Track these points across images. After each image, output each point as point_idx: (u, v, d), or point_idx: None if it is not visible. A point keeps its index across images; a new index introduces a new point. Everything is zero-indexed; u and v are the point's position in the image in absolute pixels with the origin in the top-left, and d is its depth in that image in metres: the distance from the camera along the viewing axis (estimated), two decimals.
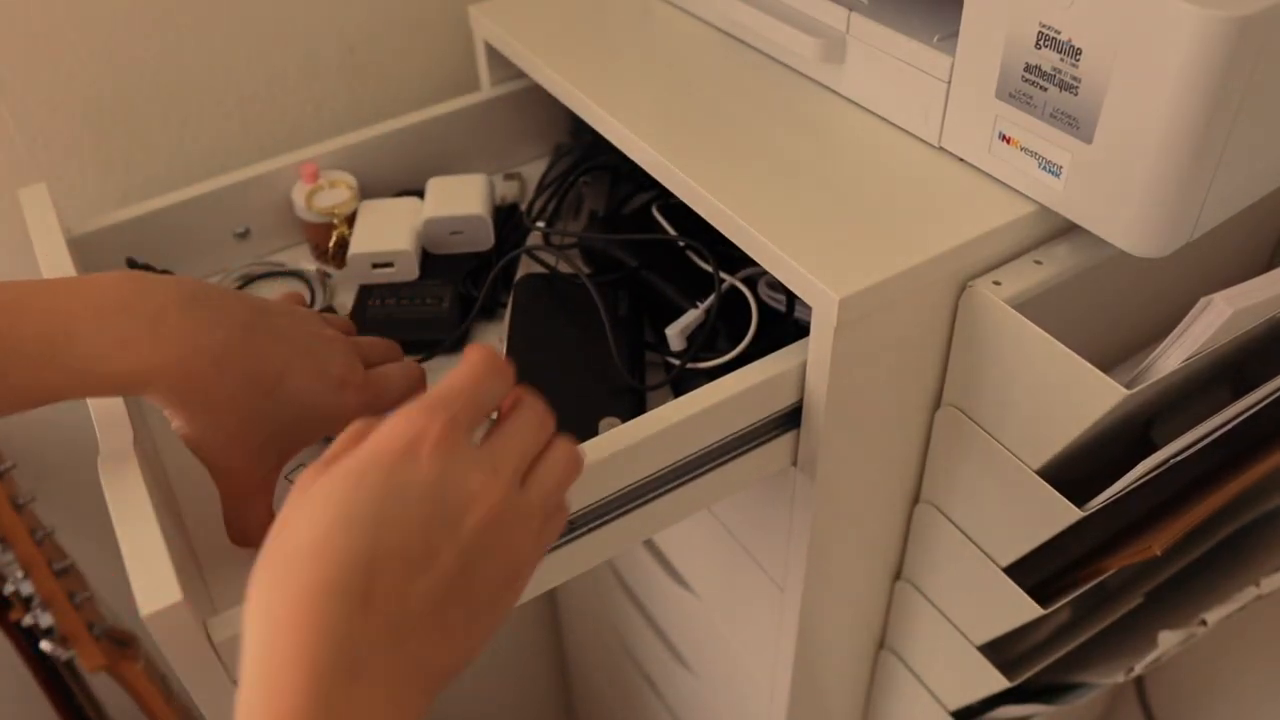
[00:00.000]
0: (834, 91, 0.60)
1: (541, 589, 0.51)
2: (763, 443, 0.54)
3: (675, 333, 0.57)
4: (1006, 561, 0.56)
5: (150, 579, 0.39)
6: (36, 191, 0.62)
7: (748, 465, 0.54)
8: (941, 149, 0.55)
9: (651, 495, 0.51)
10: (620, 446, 0.48)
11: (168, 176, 0.77)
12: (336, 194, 0.69)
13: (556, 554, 0.50)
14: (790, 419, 0.54)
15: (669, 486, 0.52)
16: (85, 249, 0.64)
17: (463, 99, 0.75)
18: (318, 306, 0.66)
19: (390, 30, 0.81)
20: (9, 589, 0.74)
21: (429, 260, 0.68)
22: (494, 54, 0.74)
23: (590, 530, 0.50)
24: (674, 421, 0.49)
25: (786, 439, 0.55)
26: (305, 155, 0.70)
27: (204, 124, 0.77)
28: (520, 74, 0.74)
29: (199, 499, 0.54)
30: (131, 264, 0.66)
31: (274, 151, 0.72)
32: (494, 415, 0.40)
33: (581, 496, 0.48)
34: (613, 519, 0.51)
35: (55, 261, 0.58)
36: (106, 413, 0.48)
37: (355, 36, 0.79)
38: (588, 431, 0.51)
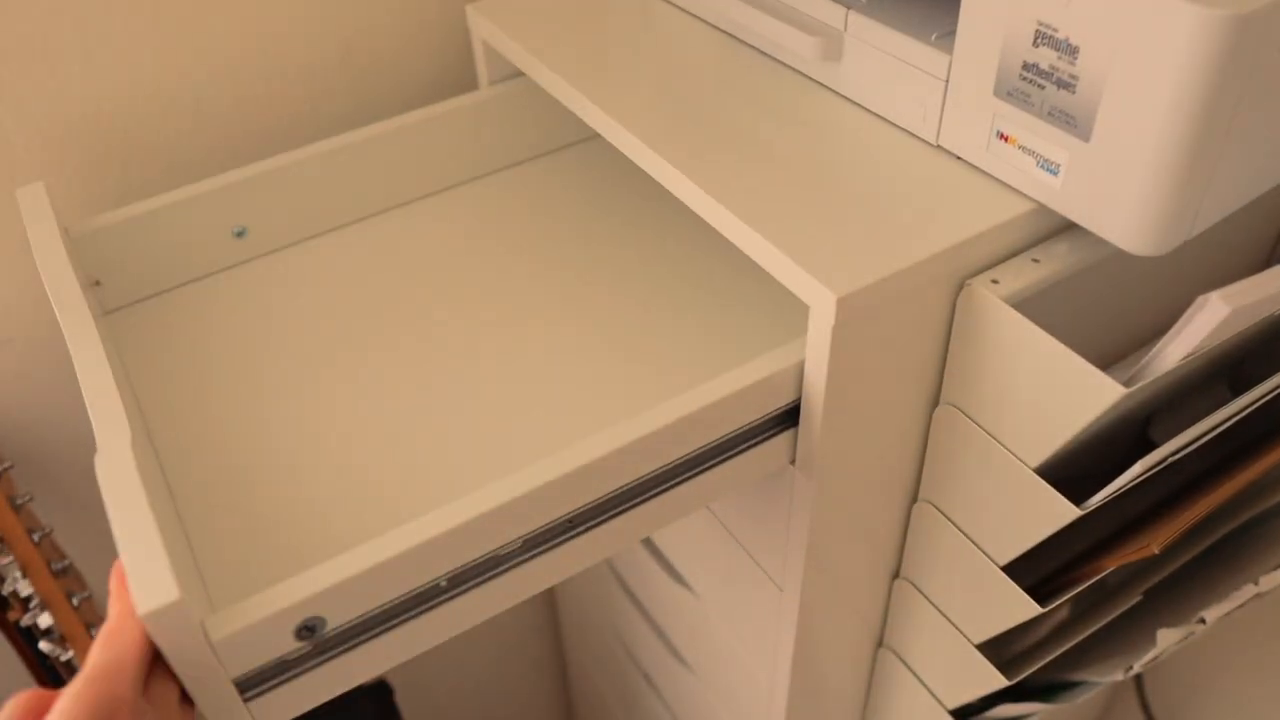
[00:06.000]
0: (832, 90, 0.60)
1: (540, 588, 0.51)
2: (761, 441, 0.54)
3: None
4: (1005, 560, 0.56)
5: (147, 578, 0.39)
6: (34, 191, 0.62)
7: (746, 464, 0.54)
8: (939, 147, 0.55)
9: (650, 494, 0.51)
10: (618, 445, 0.48)
11: (165, 176, 0.77)
12: None
13: (556, 552, 0.50)
14: (788, 417, 0.54)
15: (667, 485, 0.52)
16: (83, 248, 0.64)
17: (461, 99, 0.75)
18: None
19: (389, 30, 0.81)
20: (7, 589, 0.74)
21: None
22: (492, 53, 0.74)
23: (589, 529, 0.50)
24: (672, 420, 0.49)
25: (785, 437, 0.55)
26: (304, 155, 0.70)
27: (202, 123, 0.77)
28: (519, 73, 0.74)
29: (197, 498, 0.54)
30: None
31: (272, 151, 0.72)
32: None
33: (581, 495, 0.48)
34: (611, 517, 0.51)
35: (54, 261, 0.58)
36: (104, 412, 0.48)
37: (353, 36, 0.79)
38: None
